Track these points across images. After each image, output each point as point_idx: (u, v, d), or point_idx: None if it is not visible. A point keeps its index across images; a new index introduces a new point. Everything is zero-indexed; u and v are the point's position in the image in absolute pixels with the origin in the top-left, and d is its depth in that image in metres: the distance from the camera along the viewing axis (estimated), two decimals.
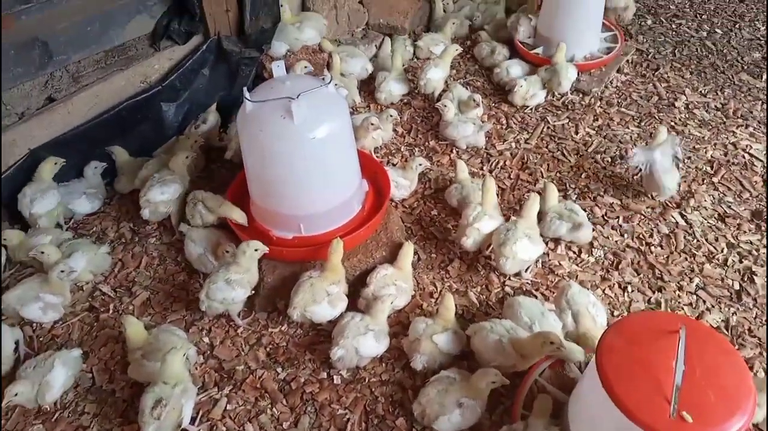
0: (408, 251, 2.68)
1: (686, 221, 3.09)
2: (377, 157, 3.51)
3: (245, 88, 2.47)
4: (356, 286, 2.65)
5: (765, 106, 3.76)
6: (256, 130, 2.45)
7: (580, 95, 3.94)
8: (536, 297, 2.71)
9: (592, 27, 4.08)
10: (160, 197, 2.89)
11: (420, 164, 3.23)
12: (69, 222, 3.07)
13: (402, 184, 3.21)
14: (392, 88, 3.83)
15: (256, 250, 2.51)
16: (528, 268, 2.81)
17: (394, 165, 3.48)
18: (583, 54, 4.06)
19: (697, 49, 4.34)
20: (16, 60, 2.77)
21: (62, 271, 2.56)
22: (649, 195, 3.20)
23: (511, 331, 2.35)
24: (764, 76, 4.01)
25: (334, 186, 2.65)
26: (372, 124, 3.28)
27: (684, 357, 1.76)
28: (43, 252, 2.62)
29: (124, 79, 3.19)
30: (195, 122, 3.38)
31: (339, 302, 2.49)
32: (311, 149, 2.46)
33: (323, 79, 2.61)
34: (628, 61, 4.21)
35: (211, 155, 3.40)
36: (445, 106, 3.55)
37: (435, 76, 3.81)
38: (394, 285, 2.59)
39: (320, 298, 2.45)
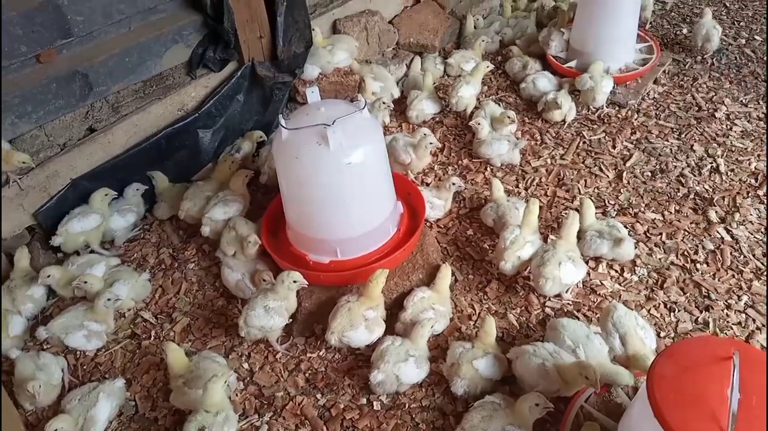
0: (446, 273, 2.65)
1: (732, 237, 2.98)
2: (411, 177, 3.50)
3: (280, 116, 2.49)
4: (393, 309, 2.64)
5: None
6: (291, 156, 2.47)
7: (617, 108, 3.87)
8: (578, 319, 2.65)
9: (627, 38, 4.01)
10: (222, 216, 2.95)
11: (454, 184, 3.21)
12: (109, 247, 3.14)
13: (437, 204, 3.19)
14: (424, 107, 3.82)
15: (294, 281, 2.51)
16: (568, 289, 2.74)
17: (428, 185, 3.47)
18: (618, 66, 3.99)
19: (735, 57, 4.22)
20: (57, 93, 2.86)
21: (108, 299, 2.60)
22: (693, 210, 3.11)
23: (555, 355, 2.30)
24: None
25: (370, 210, 2.65)
26: (431, 143, 3.35)
27: (739, 384, 1.69)
28: (86, 282, 2.68)
29: (162, 107, 3.26)
30: (230, 149, 3.43)
31: (376, 328, 2.48)
32: (347, 175, 2.46)
33: (357, 103, 2.61)
34: (665, 71, 4.12)
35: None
36: (479, 124, 3.52)
37: (466, 94, 3.79)
38: (432, 309, 2.56)
39: (358, 323, 2.44)
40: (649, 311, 2.70)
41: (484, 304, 2.79)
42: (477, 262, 3.00)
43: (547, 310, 2.73)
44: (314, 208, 2.59)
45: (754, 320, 2.62)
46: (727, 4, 4.82)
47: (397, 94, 4.01)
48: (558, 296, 2.75)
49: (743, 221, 3.05)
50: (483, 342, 2.42)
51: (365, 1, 4.12)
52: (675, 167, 3.41)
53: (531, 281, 2.76)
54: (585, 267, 2.75)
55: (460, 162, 3.63)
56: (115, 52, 3.00)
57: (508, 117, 3.59)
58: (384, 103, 3.67)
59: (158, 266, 3.07)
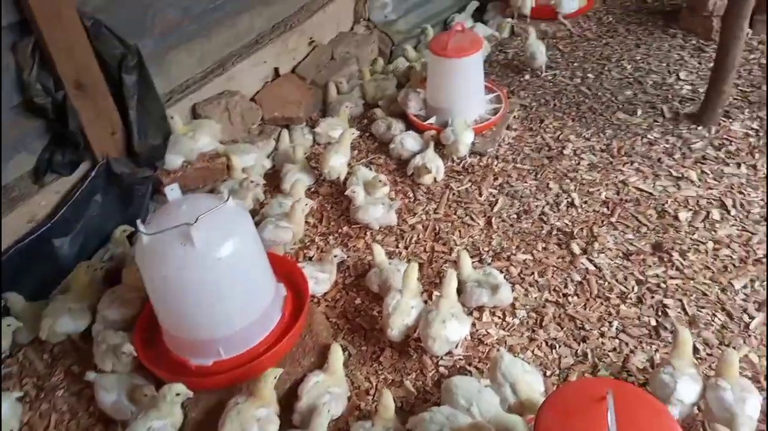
0: (337, 354, 2.62)
1: (595, 266, 3.22)
2: (290, 252, 3.47)
3: (138, 221, 2.38)
4: (288, 399, 2.55)
5: (642, 140, 4.07)
6: (156, 262, 2.36)
7: (478, 157, 4.11)
8: (471, 373, 2.71)
9: (477, 92, 4.31)
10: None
11: (336, 256, 3.22)
12: None
13: (321, 278, 3.17)
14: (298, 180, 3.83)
15: (177, 394, 2.36)
16: (457, 344, 2.81)
17: (310, 259, 3.45)
18: (473, 118, 4.26)
19: (573, 96, 4.65)
20: None
21: None
22: (557, 245, 3.34)
23: (451, 418, 2.32)
24: (639, 112, 4.35)
25: (249, 301, 2.58)
26: (306, 204, 3.43)
27: (615, 423, 1.79)
28: None
29: (9, 222, 3.00)
30: (104, 255, 3.24)
31: (270, 426, 2.37)
32: (219, 270, 2.39)
33: (221, 195, 2.56)
34: (515, 117, 4.46)
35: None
36: (354, 191, 3.58)
37: (337, 163, 3.86)
38: (328, 392, 2.51)
39: (249, 425, 2.32)
40: (533, 351, 2.82)
41: (380, 375, 2.78)
42: (368, 331, 3.00)
43: (441, 369, 2.77)
44: (189, 310, 2.47)
45: (627, 344, 2.82)
46: (561, 47, 5.33)
47: (268, 165, 4.01)
48: (449, 353, 2.80)
49: (602, 248, 3.32)
50: (382, 417, 2.39)
51: (223, 81, 4.11)
52: (536, 206, 3.65)
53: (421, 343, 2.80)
54: (469, 319, 2.84)
55: (340, 230, 3.66)
56: None
57: (380, 181, 3.69)
58: (252, 181, 3.63)
59: (22, 399, 2.76)
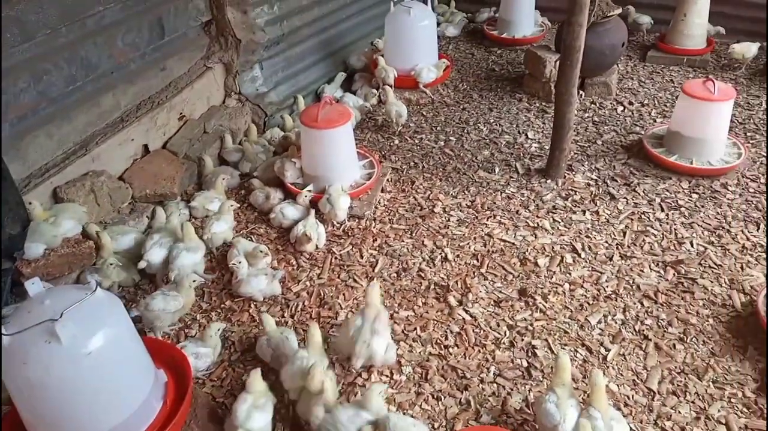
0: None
1: (470, 315, 3.45)
2: (169, 333, 3.36)
3: None
4: None
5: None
6: (19, 364, 2.19)
7: (357, 220, 4.28)
8: None
9: (349, 159, 4.53)
10: None
11: (219, 329, 3.18)
12: None
13: (204, 353, 3.10)
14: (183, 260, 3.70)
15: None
16: None
17: (193, 337, 3.35)
18: (349, 183, 4.45)
19: (439, 157, 5.03)
20: None
21: None
22: (436, 299, 3.54)
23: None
24: (497, 169, 4.78)
25: (126, 393, 2.45)
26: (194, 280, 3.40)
27: None
28: None
29: None
30: None
31: None
32: (89, 366, 2.25)
33: (88, 285, 2.46)
34: (388, 180, 4.71)
35: None
36: (239, 262, 3.57)
37: (220, 229, 3.85)
38: None
39: None
40: (421, 406, 2.93)
41: None
42: None
43: None
44: (58, 413, 2.29)
45: (503, 387, 3.02)
46: (424, 113, 5.76)
47: None
48: None
49: (476, 299, 3.56)
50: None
51: (87, 162, 3.96)
52: (414, 263, 3.85)
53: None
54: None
55: (222, 305, 3.60)
56: None
57: (261, 251, 3.71)
58: (113, 264, 3.51)
59: None
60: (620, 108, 5.65)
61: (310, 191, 4.26)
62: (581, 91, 5.77)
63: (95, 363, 2.27)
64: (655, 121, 5.38)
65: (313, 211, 4.12)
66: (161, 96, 4.64)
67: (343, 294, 3.65)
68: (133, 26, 4.25)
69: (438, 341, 3.29)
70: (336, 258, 3.95)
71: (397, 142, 5.30)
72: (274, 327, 3.20)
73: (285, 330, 3.21)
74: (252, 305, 3.59)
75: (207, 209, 4.24)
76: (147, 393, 2.53)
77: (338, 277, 3.80)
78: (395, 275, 3.78)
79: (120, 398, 2.42)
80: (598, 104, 5.71)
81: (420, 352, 3.24)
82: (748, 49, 6.05)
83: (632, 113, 5.57)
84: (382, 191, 4.60)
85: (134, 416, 2.46)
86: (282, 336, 3.13)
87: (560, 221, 4.18)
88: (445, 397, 2.97)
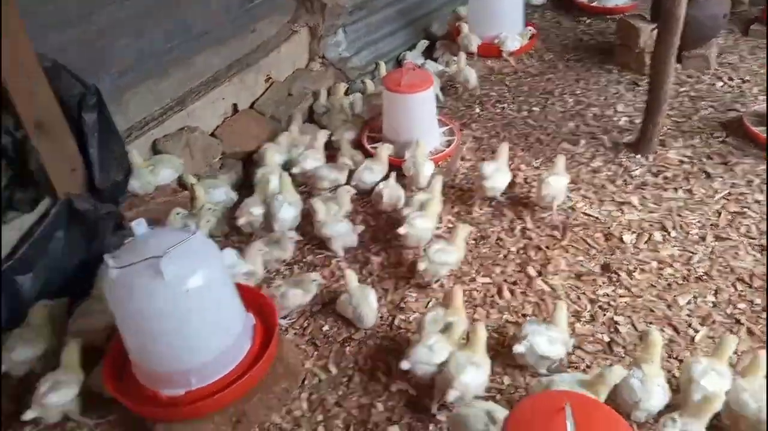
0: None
1: (550, 286, 3.39)
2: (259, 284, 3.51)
3: (106, 256, 2.40)
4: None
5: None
6: (125, 295, 2.37)
7: None
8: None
9: (430, 126, 4.52)
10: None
11: (314, 280, 3.30)
12: None
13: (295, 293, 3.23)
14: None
15: None
16: None
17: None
18: (428, 150, 4.44)
19: (522, 127, 4.91)
20: None
21: None
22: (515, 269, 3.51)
23: None
24: (582, 142, 4.63)
25: (219, 331, 2.60)
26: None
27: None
28: None
29: None
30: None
31: None
32: (188, 301, 2.42)
33: (188, 227, 2.60)
34: (468, 148, 4.67)
35: None
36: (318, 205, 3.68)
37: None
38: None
39: None
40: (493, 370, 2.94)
41: (351, 399, 2.84)
42: (338, 356, 3.06)
43: (411, 391, 2.84)
44: (159, 342, 2.48)
45: (583, 360, 2.97)
46: (507, 82, 5.63)
47: (235, 198, 4.05)
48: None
49: (556, 270, 3.50)
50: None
51: (183, 118, 4.17)
52: (493, 232, 3.82)
53: None
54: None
55: (304, 259, 3.72)
56: None
57: (348, 192, 3.83)
58: (211, 209, 3.66)
59: None
60: (719, 83, 5.30)
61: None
62: (677, 64, 5.45)
63: (193, 299, 2.42)
64: (756, 98, 5.01)
65: (394, 173, 4.13)
66: (251, 57, 4.78)
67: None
68: None
69: (516, 309, 3.27)
70: None
71: (478, 110, 5.21)
72: (356, 283, 3.26)
73: (366, 287, 3.28)
74: (332, 262, 3.68)
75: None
76: (238, 332, 2.68)
77: None
78: (473, 242, 3.77)
79: (213, 335, 2.58)
80: (695, 78, 5.37)
81: (496, 319, 3.23)
82: None
83: (732, 89, 5.21)
84: (462, 158, 4.56)
85: (225, 353, 2.62)
86: (363, 294, 3.20)
87: (649, 197, 4.00)
88: (525, 367, 2.96)
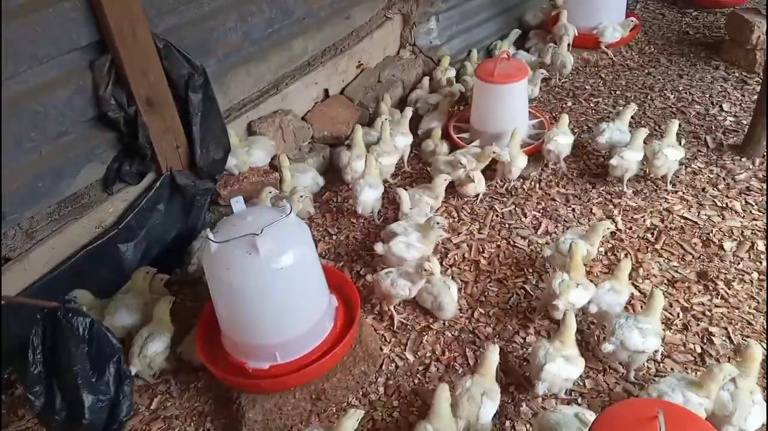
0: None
1: (639, 291, 3.26)
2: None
3: (207, 230, 2.53)
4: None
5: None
6: (222, 268, 2.50)
7: (521, 180, 4.19)
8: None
9: (521, 117, 4.41)
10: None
11: (438, 222, 3.34)
12: None
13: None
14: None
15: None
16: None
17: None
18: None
19: None
20: None
21: None
22: (602, 270, 3.39)
23: None
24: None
25: (305, 310, 2.69)
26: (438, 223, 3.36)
27: None
28: None
29: (79, 227, 3.19)
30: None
31: None
32: (279, 279, 2.51)
33: (283, 208, 2.69)
34: None
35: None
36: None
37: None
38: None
39: None
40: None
41: (428, 386, 2.86)
42: (414, 343, 3.09)
43: None
44: (249, 316, 2.60)
45: (672, 370, 2.84)
46: (603, 75, 5.41)
47: (322, 182, 4.15)
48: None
49: (647, 275, 3.35)
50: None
51: (277, 101, 4.30)
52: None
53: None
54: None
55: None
56: (26, 179, 2.95)
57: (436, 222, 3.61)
58: (302, 196, 3.76)
59: None
60: None
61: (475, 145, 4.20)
62: None
63: (285, 277, 2.51)
64: None
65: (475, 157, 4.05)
66: (344, 43, 4.84)
67: (504, 252, 3.63)
68: None
69: None
70: (497, 216, 3.92)
71: (570, 104, 5.05)
72: (439, 274, 3.25)
73: (447, 278, 3.28)
74: None
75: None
76: (322, 312, 2.76)
77: (498, 233, 3.77)
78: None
79: (300, 313, 2.67)
80: None
81: (581, 320, 3.14)
82: None
83: None
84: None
85: (310, 331, 2.71)
86: (444, 284, 3.20)
87: (754, 203, 3.75)
88: (606, 368, 2.87)
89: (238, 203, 2.68)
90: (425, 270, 3.01)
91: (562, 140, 4.11)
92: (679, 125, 4.55)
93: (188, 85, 3.41)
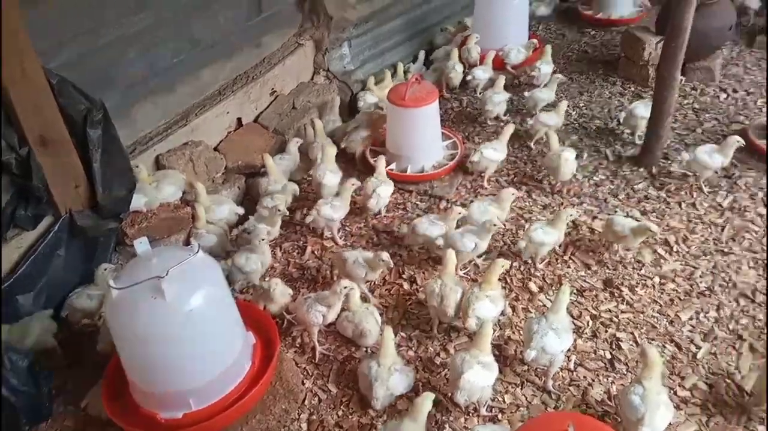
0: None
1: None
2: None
3: (109, 277, 2.41)
4: None
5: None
6: (126, 316, 2.38)
7: (438, 200, 4.27)
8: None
9: (434, 139, 4.52)
10: None
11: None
12: None
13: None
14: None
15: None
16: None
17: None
18: (431, 164, 4.46)
19: (525, 140, 4.88)
20: None
21: None
22: (518, 285, 3.49)
23: None
24: (585, 155, 4.62)
25: (219, 351, 2.61)
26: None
27: None
28: None
29: None
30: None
31: None
32: (189, 322, 2.42)
33: (191, 247, 2.60)
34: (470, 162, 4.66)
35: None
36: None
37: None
38: None
39: None
40: (498, 390, 2.93)
41: (351, 418, 2.83)
42: (338, 375, 3.05)
43: None
44: (159, 363, 2.48)
45: (585, 378, 2.96)
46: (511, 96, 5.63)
47: (241, 211, 4.04)
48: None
49: (560, 284, 3.48)
50: None
51: (187, 132, 4.19)
52: (495, 247, 3.80)
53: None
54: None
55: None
56: None
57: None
58: (279, 211, 3.71)
59: None
60: (723, 95, 5.28)
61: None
62: (682, 76, 5.43)
63: (194, 320, 2.43)
64: (760, 110, 4.99)
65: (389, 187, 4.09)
66: (255, 71, 4.81)
67: (425, 272, 3.68)
68: (234, 3, 4.41)
69: (518, 326, 3.26)
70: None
71: (481, 123, 5.21)
72: (359, 301, 3.25)
73: (369, 305, 3.27)
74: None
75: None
76: (238, 352, 2.68)
77: (418, 254, 3.82)
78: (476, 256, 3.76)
79: (214, 355, 2.58)
80: (699, 90, 5.36)
81: (498, 335, 3.22)
82: None
83: (736, 101, 5.18)
84: (465, 172, 4.55)
85: (225, 373, 2.62)
86: (366, 312, 3.18)
87: (652, 211, 3.99)
88: (524, 382, 2.94)
89: (141, 245, 2.58)
90: (338, 291, 3.02)
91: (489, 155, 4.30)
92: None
93: (86, 121, 3.27)
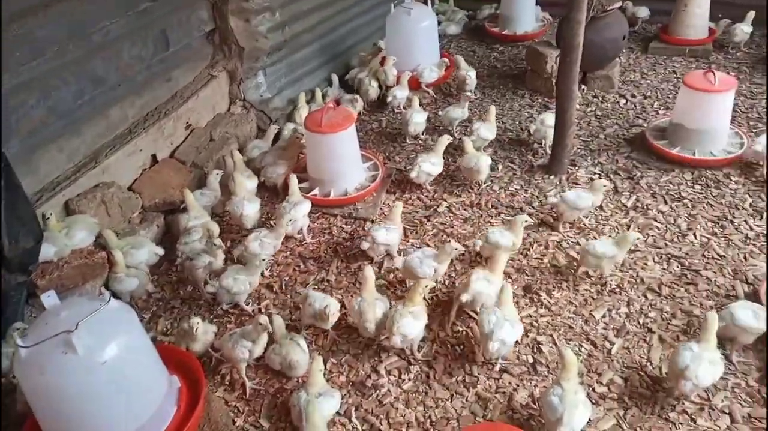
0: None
1: (475, 312, 3.47)
2: None
3: (15, 334, 2.31)
4: None
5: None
6: (37, 375, 2.28)
7: (361, 222, 4.33)
8: None
9: (354, 162, 4.59)
10: None
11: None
12: None
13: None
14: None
15: None
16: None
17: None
18: (354, 186, 4.52)
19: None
20: None
21: None
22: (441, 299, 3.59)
23: None
24: (500, 167, 4.82)
25: (141, 400, 2.54)
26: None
27: None
28: None
29: None
30: None
31: None
32: (104, 374, 2.35)
33: (102, 296, 2.54)
34: (393, 181, 4.76)
35: None
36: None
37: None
38: None
39: None
40: (425, 402, 2.99)
41: None
42: (271, 410, 3.03)
43: None
44: (76, 420, 2.39)
45: (509, 383, 3.07)
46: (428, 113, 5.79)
47: (161, 252, 3.93)
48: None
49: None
50: None
51: (98, 174, 4.06)
52: None
53: None
54: None
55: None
56: None
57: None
58: (215, 245, 3.70)
59: None
60: (623, 101, 5.66)
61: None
62: (583, 86, 5.79)
63: (111, 371, 2.36)
64: (657, 113, 5.39)
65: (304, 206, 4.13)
66: (168, 106, 4.74)
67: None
68: (139, 39, 4.34)
69: (444, 339, 3.35)
70: (342, 258, 4.01)
71: (400, 142, 5.34)
72: (285, 331, 3.24)
73: (295, 335, 3.26)
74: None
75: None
76: (161, 398, 2.62)
77: (344, 278, 3.86)
78: (400, 274, 3.84)
79: (135, 404, 2.51)
80: (600, 98, 5.72)
81: (426, 352, 3.29)
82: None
83: (635, 106, 5.58)
84: (388, 192, 4.65)
85: (149, 421, 2.55)
86: (292, 342, 3.17)
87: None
88: (453, 394, 3.02)
89: (50, 298, 2.49)
90: (260, 324, 3.00)
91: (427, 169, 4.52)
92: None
93: None
